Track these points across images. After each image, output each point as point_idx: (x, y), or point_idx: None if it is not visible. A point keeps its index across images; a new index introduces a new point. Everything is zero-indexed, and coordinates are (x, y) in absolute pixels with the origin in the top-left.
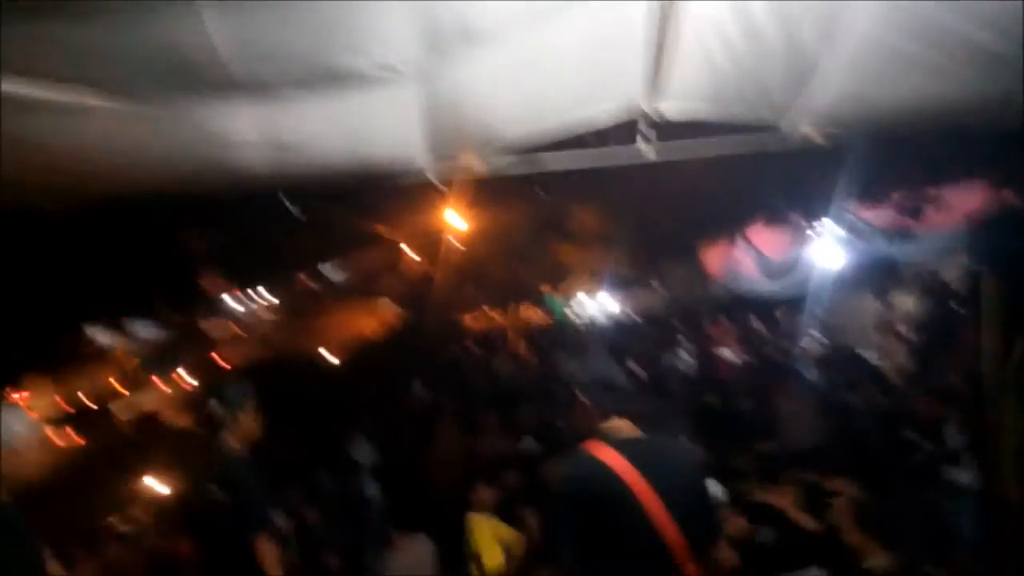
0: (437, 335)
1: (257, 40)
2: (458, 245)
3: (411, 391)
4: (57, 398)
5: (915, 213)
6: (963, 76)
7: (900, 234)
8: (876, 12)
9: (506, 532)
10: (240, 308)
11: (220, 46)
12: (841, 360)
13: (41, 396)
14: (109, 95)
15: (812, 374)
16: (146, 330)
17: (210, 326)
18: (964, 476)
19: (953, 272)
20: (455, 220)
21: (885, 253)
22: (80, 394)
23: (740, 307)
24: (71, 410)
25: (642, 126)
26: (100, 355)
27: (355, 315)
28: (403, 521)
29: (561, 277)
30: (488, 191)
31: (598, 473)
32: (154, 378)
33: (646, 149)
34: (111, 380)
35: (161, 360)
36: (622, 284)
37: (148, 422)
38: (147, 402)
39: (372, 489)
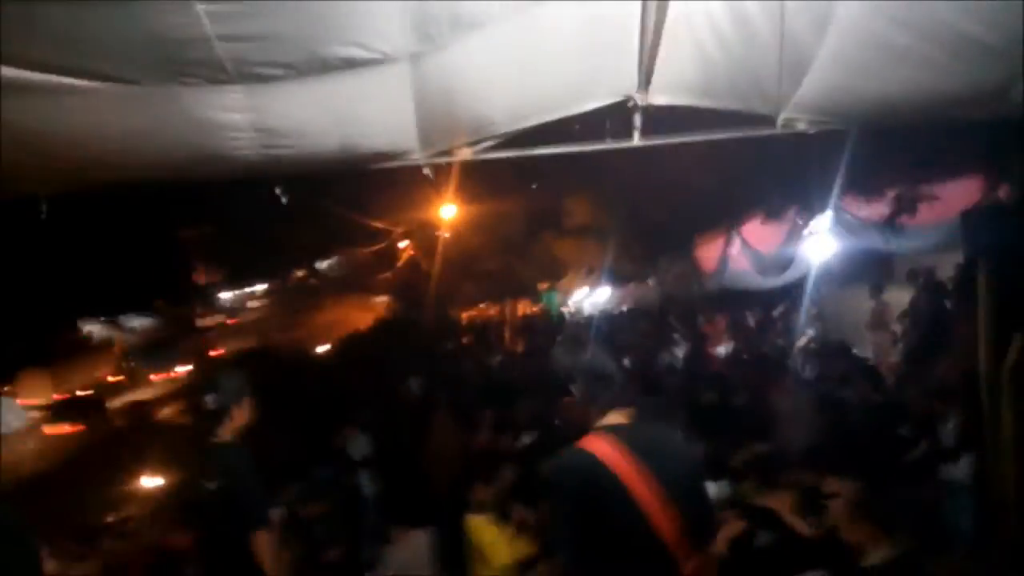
0: (432, 329)
1: (248, 27)
2: (453, 239)
3: (407, 386)
4: (52, 391)
5: (909, 207)
6: (955, 68)
7: (894, 229)
8: (868, 4)
9: (509, 532)
10: (235, 301)
11: (212, 32)
12: (835, 356)
13: (36, 390)
14: (99, 80)
15: (806, 370)
16: (141, 323)
17: (205, 319)
18: (960, 472)
19: (947, 267)
20: (449, 213)
21: (879, 248)
22: (75, 387)
23: (734, 302)
24: (66, 403)
25: (635, 117)
26: (95, 348)
27: (350, 308)
28: (400, 516)
29: (556, 272)
30: (482, 185)
31: (590, 464)
32: (149, 371)
33: (638, 139)
34: (106, 373)
35: (156, 353)
36: (617, 279)
37: (143, 415)
38: (142, 395)
39: (368, 484)
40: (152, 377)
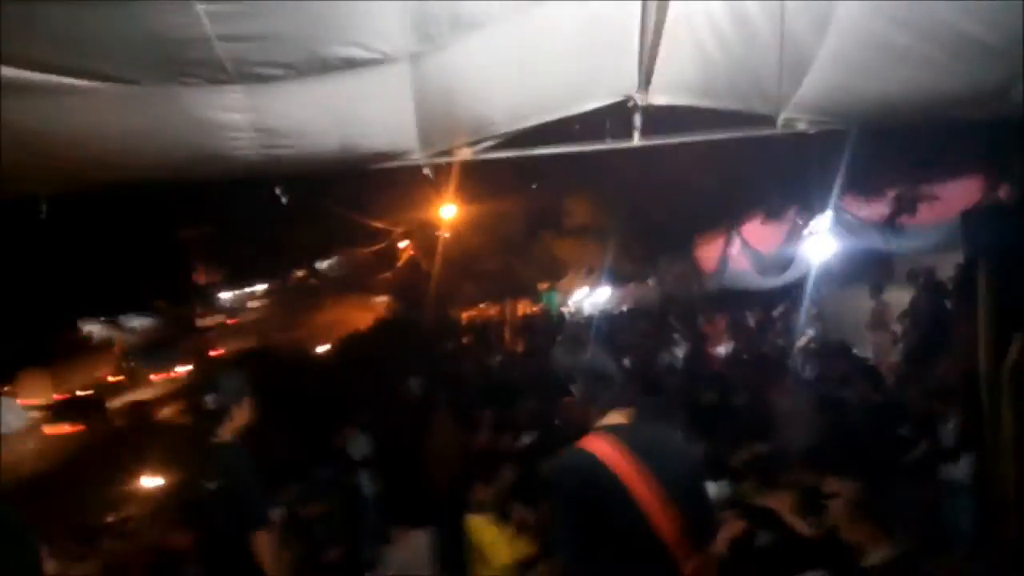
0: (432, 329)
1: (248, 27)
2: (453, 239)
3: (407, 386)
4: (53, 391)
5: (909, 207)
6: (955, 68)
7: (894, 229)
8: (868, 4)
9: (509, 532)
10: (235, 301)
11: (212, 32)
12: (835, 356)
13: (37, 390)
14: (99, 79)
15: (806, 370)
16: (141, 323)
17: (205, 319)
18: (960, 472)
19: (947, 267)
20: (449, 213)
21: (879, 248)
22: (76, 387)
23: (734, 302)
24: (67, 403)
25: (635, 117)
26: (95, 348)
27: (350, 309)
28: (400, 516)
29: (556, 272)
30: (482, 185)
31: (589, 464)
32: (149, 371)
33: (638, 139)
34: (106, 373)
35: (156, 353)
36: (617, 279)
37: (143, 415)
38: (142, 395)
39: (368, 484)
40: (152, 377)
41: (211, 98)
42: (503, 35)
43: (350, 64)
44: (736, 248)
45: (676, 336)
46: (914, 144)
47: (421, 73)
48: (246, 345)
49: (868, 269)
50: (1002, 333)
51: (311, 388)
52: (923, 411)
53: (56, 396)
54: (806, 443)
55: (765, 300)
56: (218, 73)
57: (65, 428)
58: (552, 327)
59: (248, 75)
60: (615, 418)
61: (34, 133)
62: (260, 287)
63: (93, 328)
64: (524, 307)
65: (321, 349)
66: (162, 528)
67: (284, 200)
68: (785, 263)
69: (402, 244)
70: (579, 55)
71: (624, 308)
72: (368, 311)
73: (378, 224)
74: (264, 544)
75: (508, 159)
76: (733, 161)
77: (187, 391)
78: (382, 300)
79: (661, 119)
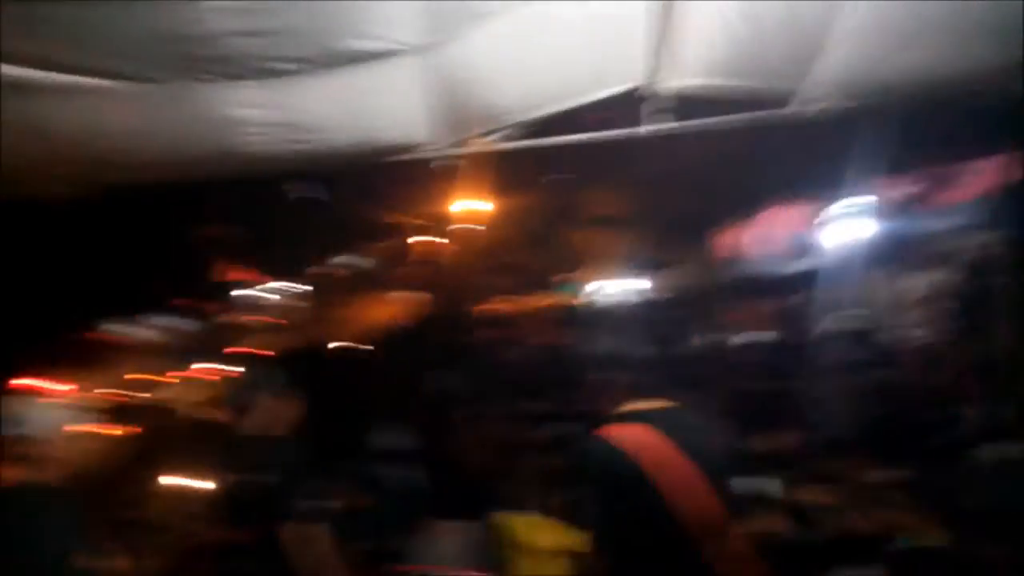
0: (458, 323)
1: (260, 23)
2: (475, 232)
3: (438, 379)
4: (95, 390)
5: (935, 187)
6: (977, 44)
7: (920, 209)
8: None
9: (547, 523)
10: (263, 298)
11: (223, 29)
12: (865, 340)
13: (79, 388)
14: (111, 77)
15: (836, 355)
16: (173, 323)
17: (236, 317)
18: (995, 453)
19: (976, 246)
20: (470, 207)
21: (905, 229)
22: (119, 387)
23: (759, 289)
24: (110, 401)
25: (649, 104)
26: (131, 349)
27: (376, 304)
28: (437, 509)
29: (579, 263)
30: (502, 178)
31: (616, 451)
32: (185, 369)
33: (654, 127)
34: (144, 373)
35: (191, 351)
36: (640, 269)
37: (184, 413)
38: (181, 393)
39: (411, 477)
40: (188, 375)
41: (227, 94)
42: (514, 24)
43: (363, 57)
44: (762, 233)
45: (700, 324)
46: (942, 121)
47: (433, 64)
48: (279, 341)
49: (895, 251)
50: None
51: (344, 382)
52: (958, 393)
53: (102, 395)
54: (846, 430)
55: (790, 285)
56: (233, 69)
57: (111, 426)
58: (577, 318)
59: (262, 71)
60: (642, 405)
61: (57, 134)
62: (286, 284)
63: (129, 329)
64: (548, 298)
65: (348, 344)
66: (209, 522)
67: (302, 196)
68: (809, 247)
69: (423, 239)
70: (590, 42)
71: (649, 297)
72: (391, 306)
73: (399, 219)
74: (313, 537)
75: (525, 150)
76: (754, 145)
77: (223, 387)
78: (405, 295)
79: (680, 105)
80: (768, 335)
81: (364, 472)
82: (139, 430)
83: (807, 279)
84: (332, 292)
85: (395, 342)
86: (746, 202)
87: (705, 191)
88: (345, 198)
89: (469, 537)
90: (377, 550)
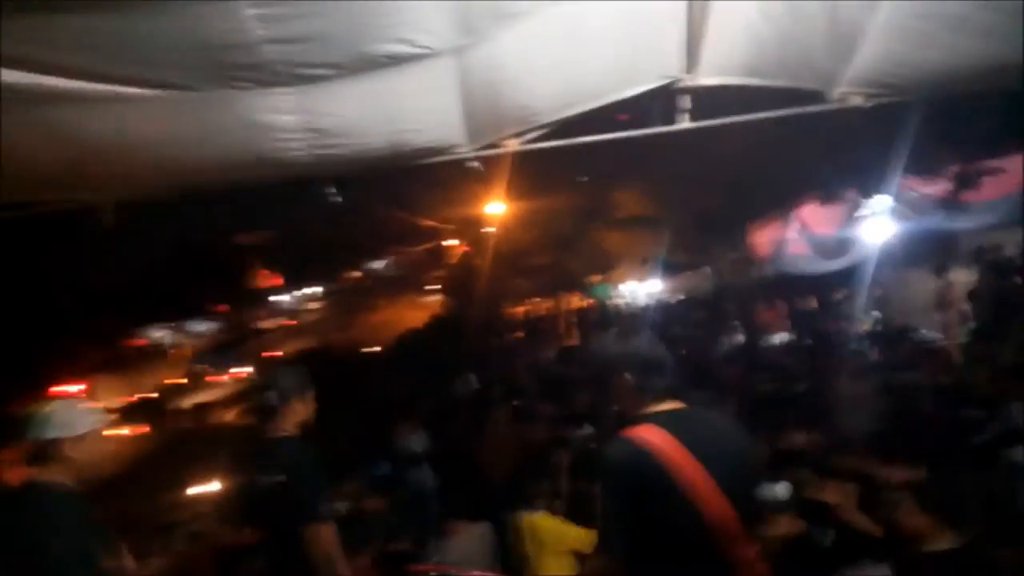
0: (486, 325)
1: (296, 29)
2: (503, 234)
3: (463, 381)
4: (124, 395)
5: (971, 184)
6: (1013, 35)
7: (955, 205)
8: None
9: (566, 530)
10: (293, 304)
11: (261, 35)
12: (899, 339)
13: (109, 393)
14: (146, 86)
15: (869, 354)
16: (205, 328)
17: (265, 322)
18: None
19: (1013, 242)
20: (499, 209)
21: (941, 226)
22: (146, 390)
23: (792, 288)
24: (138, 405)
25: (682, 100)
26: (163, 353)
27: (404, 307)
28: (458, 510)
29: (608, 264)
30: (531, 179)
31: (639, 453)
32: (212, 373)
33: (686, 124)
34: (174, 376)
35: (220, 356)
36: (671, 268)
37: (210, 415)
38: (209, 396)
39: (427, 479)
40: (217, 379)
41: (262, 101)
42: (545, 23)
43: (396, 61)
44: (793, 232)
45: (734, 324)
46: (974, 117)
47: (465, 66)
48: (305, 345)
49: (931, 248)
50: None
51: (369, 385)
52: (991, 392)
53: (128, 399)
54: (870, 429)
55: (825, 284)
56: (268, 76)
57: (137, 429)
58: (605, 319)
59: (297, 76)
60: (667, 406)
61: (93, 142)
62: (317, 289)
63: (161, 334)
64: (577, 300)
65: (377, 347)
66: (228, 524)
67: (334, 202)
68: (845, 245)
69: (453, 242)
70: (623, 39)
71: (679, 298)
72: (422, 309)
73: (429, 223)
74: (325, 538)
75: (555, 151)
76: (787, 142)
77: (250, 390)
78: (435, 298)
79: (710, 102)
80: (799, 334)
81: (385, 473)
82: (164, 432)
83: (845, 277)
84: (363, 296)
85: (423, 345)
86: (778, 200)
87: (737, 189)
88: (378, 203)
89: (487, 537)
90: (396, 550)
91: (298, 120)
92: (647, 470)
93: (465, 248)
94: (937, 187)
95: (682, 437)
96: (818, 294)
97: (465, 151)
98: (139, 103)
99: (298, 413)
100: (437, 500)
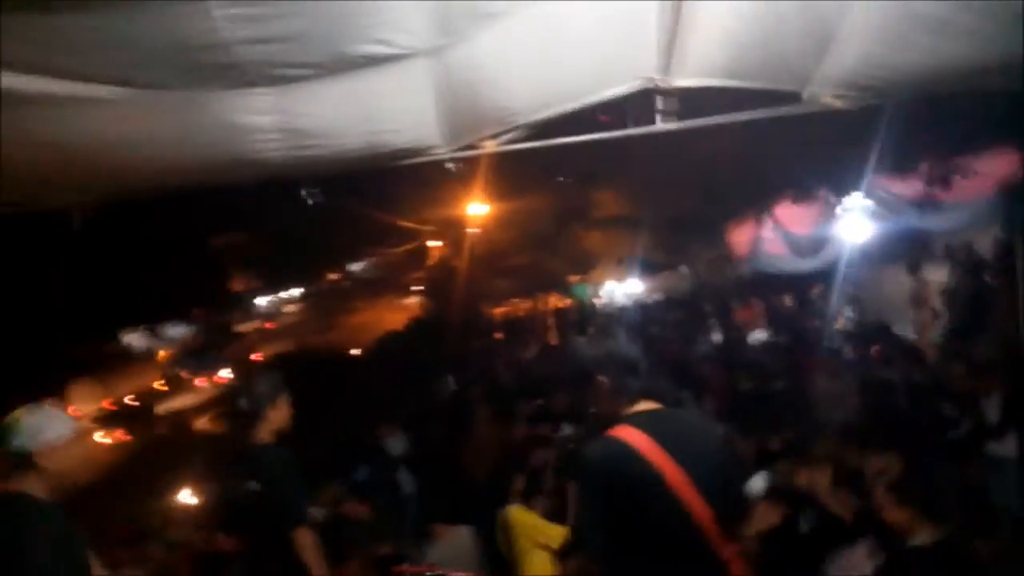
0: (465, 326)
1: (269, 30)
2: (482, 236)
3: (442, 382)
4: (99, 401)
5: (945, 183)
6: (988, 35)
7: (930, 205)
8: None
9: (544, 526)
10: (271, 306)
11: (229, 34)
12: (875, 336)
13: (83, 399)
14: (122, 86)
15: (846, 352)
16: (181, 332)
17: (243, 325)
18: (1005, 450)
19: (985, 242)
20: (477, 210)
21: (915, 225)
22: (120, 396)
23: (769, 287)
24: (113, 412)
25: (659, 102)
26: (138, 358)
27: (383, 308)
28: (440, 513)
29: (586, 264)
30: (509, 180)
31: (619, 454)
32: (188, 377)
33: (664, 125)
34: (150, 381)
35: (196, 360)
36: (648, 268)
37: (186, 421)
38: (184, 402)
39: (408, 481)
40: (194, 383)
41: (238, 102)
42: (522, 25)
43: (373, 61)
44: (769, 231)
45: (711, 323)
46: (948, 117)
47: (442, 67)
48: (283, 348)
49: (905, 247)
50: None
51: (348, 388)
52: (966, 388)
53: (102, 405)
54: (849, 425)
55: (801, 283)
56: (243, 77)
57: (111, 436)
58: (584, 319)
59: (272, 77)
60: (644, 406)
61: (63, 145)
62: (295, 291)
63: (135, 338)
64: (556, 300)
65: (357, 350)
66: (206, 531)
67: (313, 202)
68: (820, 244)
69: (432, 243)
70: (599, 41)
71: (657, 297)
72: (401, 310)
73: (408, 224)
74: (305, 543)
75: (533, 152)
76: (762, 142)
77: (226, 396)
78: (414, 299)
79: (686, 103)
80: (776, 332)
81: (365, 477)
82: (143, 439)
83: (820, 275)
84: (342, 298)
85: (402, 347)
86: (757, 200)
87: (714, 189)
88: (357, 204)
89: (471, 540)
90: (380, 552)
91: (275, 121)
92: (625, 470)
93: (445, 249)
94: (911, 186)
95: (659, 437)
96: (794, 293)
97: (443, 152)
98: (115, 104)
99: (273, 420)
100: (418, 503)
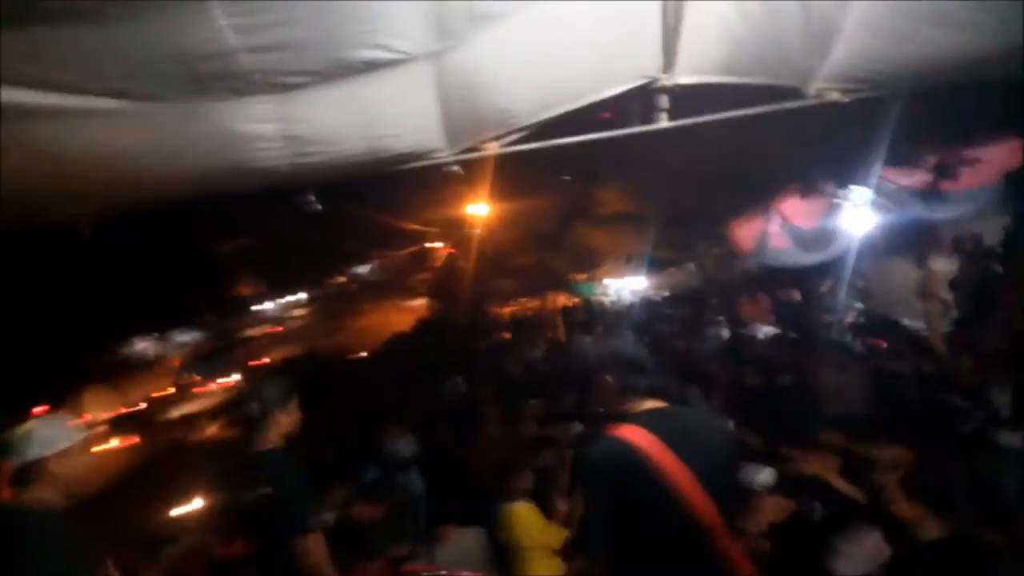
0: (472, 326)
1: (272, 37)
2: (487, 236)
3: (450, 384)
4: (109, 408)
5: (948, 173)
6: (987, 26)
7: (934, 196)
8: None
9: (546, 525)
10: (278, 311)
11: (231, 42)
12: (881, 328)
13: (93, 406)
14: (123, 98)
15: (853, 344)
16: (190, 338)
17: (250, 330)
18: (1014, 439)
19: (991, 231)
20: (482, 211)
21: (920, 216)
22: (131, 403)
23: (775, 281)
24: (122, 418)
25: (661, 99)
26: (148, 365)
27: (389, 311)
28: (449, 514)
29: (592, 262)
30: (513, 180)
31: (622, 453)
32: (198, 383)
33: (666, 123)
34: (159, 388)
35: (205, 366)
36: (655, 265)
37: (195, 427)
38: (194, 407)
39: (417, 483)
40: (203, 389)
41: (239, 110)
42: (522, 26)
43: (373, 66)
44: (775, 226)
45: (718, 319)
46: (951, 107)
47: (443, 70)
48: (291, 353)
49: (912, 239)
50: None
51: (356, 391)
52: (976, 380)
53: (113, 412)
54: (857, 418)
55: (808, 277)
56: (245, 85)
57: (121, 442)
58: (590, 318)
59: (274, 85)
60: (650, 404)
61: (63, 158)
62: (301, 295)
63: (145, 345)
64: (562, 299)
65: (364, 352)
66: (215, 537)
67: (317, 208)
68: (826, 238)
69: (436, 244)
70: (600, 40)
71: (664, 294)
72: (407, 313)
73: (412, 226)
74: (314, 548)
75: (535, 152)
76: (766, 138)
77: (235, 401)
78: (420, 301)
79: (689, 100)
80: (783, 327)
81: (381, 480)
82: (151, 445)
83: (827, 269)
84: (348, 302)
85: (409, 348)
86: (761, 195)
87: (720, 185)
88: (361, 207)
89: (480, 541)
90: (386, 555)
91: (276, 128)
92: (630, 469)
93: (450, 250)
94: (916, 178)
95: (664, 436)
96: (801, 287)
97: (445, 155)
98: (116, 116)
99: (282, 425)
100: (427, 504)
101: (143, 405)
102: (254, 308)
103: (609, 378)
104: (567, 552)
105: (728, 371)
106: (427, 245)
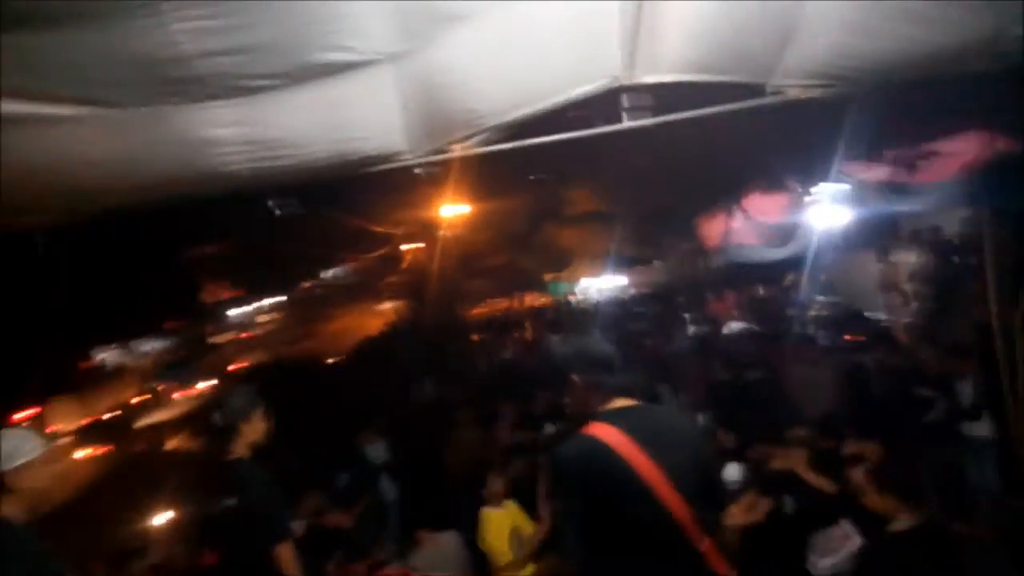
0: (444, 328)
1: (227, 41)
2: (457, 237)
3: (422, 387)
4: (72, 418)
5: (912, 167)
6: (951, 20)
7: (898, 190)
8: None
9: (520, 521)
10: (246, 317)
11: (185, 47)
12: (848, 321)
13: (57, 417)
14: (82, 104)
15: (820, 338)
16: (155, 346)
17: (217, 337)
18: (981, 430)
19: (954, 224)
20: (451, 212)
21: (884, 210)
22: (95, 413)
23: (743, 277)
24: (87, 429)
25: (626, 99)
26: (112, 374)
27: (359, 315)
28: (424, 519)
29: (562, 261)
30: (481, 181)
31: (593, 451)
32: (165, 391)
33: (633, 122)
34: (124, 397)
35: (171, 374)
36: (623, 263)
37: (162, 437)
38: (160, 417)
39: (390, 489)
40: (171, 398)
41: (198, 115)
42: (486, 27)
43: (335, 69)
44: (739, 222)
45: (686, 316)
46: (912, 102)
47: (406, 72)
48: (259, 359)
49: (874, 232)
50: (1014, 287)
51: (326, 397)
52: (939, 370)
53: (76, 423)
54: (824, 410)
55: (773, 271)
56: (203, 90)
57: (86, 453)
58: (561, 317)
59: (235, 89)
60: (620, 403)
61: (32, 164)
62: (269, 301)
63: (109, 354)
64: (533, 299)
65: (334, 357)
66: (185, 548)
67: (283, 212)
68: (790, 232)
69: (406, 247)
70: (563, 42)
71: (632, 292)
72: (378, 316)
73: (381, 229)
74: (287, 557)
75: (504, 153)
76: (732, 134)
77: (203, 410)
78: (391, 304)
79: (657, 99)
80: (753, 323)
81: (354, 486)
82: (119, 456)
83: (792, 263)
84: (318, 306)
85: (381, 352)
86: (727, 192)
87: (686, 183)
88: (329, 210)
89: (456, 546)
90: (360, 561)
91: (239, 133)
92: (599, 467)
93: (419, 252)
94: (878, 172)
95: (634, 433)
96: (767, 282)
97: (412, 157)
98: (75, 122)
99: (248, 435)
100: (402, 509)
101: (110, 415)
102: (223, 314)
103: (578, 377)
104: (541, 552)
105: (697, 367)
106: (396, 248)
